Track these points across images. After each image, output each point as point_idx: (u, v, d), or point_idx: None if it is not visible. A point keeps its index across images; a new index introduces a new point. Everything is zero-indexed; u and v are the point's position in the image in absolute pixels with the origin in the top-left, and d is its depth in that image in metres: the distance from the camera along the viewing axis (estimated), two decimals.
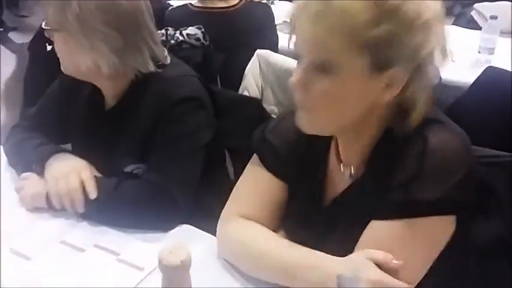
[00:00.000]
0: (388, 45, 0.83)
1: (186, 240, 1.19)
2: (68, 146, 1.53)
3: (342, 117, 0.91)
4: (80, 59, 1.29)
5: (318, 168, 1.04)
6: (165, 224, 1.26)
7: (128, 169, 1.39)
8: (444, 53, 0.88)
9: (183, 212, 1.29)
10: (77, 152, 1.45)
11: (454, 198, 0.89)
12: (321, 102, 0.89)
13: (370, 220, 0.94)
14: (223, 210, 1.15)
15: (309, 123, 0.95)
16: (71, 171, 1.29)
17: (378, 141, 0.96)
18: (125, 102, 1.40)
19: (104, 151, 1.42)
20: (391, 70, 0.86)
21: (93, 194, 1.27)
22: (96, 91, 1.44)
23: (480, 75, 1.97)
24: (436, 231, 0.91)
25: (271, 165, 1.11)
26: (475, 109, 1.90)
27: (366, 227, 0.94)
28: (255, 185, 1.12)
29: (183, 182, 1.31)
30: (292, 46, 0.92)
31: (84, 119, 1.48)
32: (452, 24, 3.41)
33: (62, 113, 1.52)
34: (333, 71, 0.86)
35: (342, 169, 1.02)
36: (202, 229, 1.25)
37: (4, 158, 1.51)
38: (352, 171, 1.00)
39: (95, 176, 1.31)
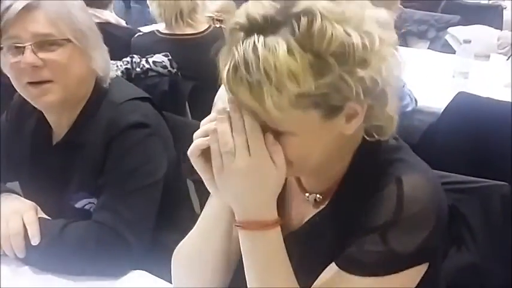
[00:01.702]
0: (338, 91, 0.77)
1: None
2: (16, 184, 1.42)
3: (320, 158, 0.86)
4: (81, 69, 1.26)
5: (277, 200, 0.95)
6: (116, 269, 1.17)
7: (78, 205, 1.29)
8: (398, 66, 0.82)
9: (136, 254, 1.19)
10: (26, 189, 1.36)
11: (431, 246, 0.83)
12: (300, 158, 0.84)
13: (331, 257, 0.86)
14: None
15: (295, 174, 0.93)
16: (12, 214, 1.19)
17: (346, 171, 0.90)
18: (74, 130, 1.30)
19: (55, 187, 1.32)
20: (347, 106, 0.80)
21: (35, 239, 1.16)
22: (42, 124, 1.35)
23: (451, 101, 1.94)
24: (409, 282, 0.84)
25: None
26: (447, 135, 1.87)
27: (325, 263, 0.86)
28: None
29: (135, 221, 1.21)
30: None
31: (32, 153, 1.38)
32: (428, 48, 3.41)
33: (7, 150, 1.42)
34: (288, 135, 0.81)
35: (307, 198, 0.95)
36: (164, 271, 1.13)
37: None
38: (318, 198, 0.93)
39: (40, 218, 1.21)
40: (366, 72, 0.77)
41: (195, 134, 0.84)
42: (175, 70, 2.22)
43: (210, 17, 2.72)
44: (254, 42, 0.75)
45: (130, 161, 1.25)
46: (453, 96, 1.94)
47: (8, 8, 1.18)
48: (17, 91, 1.31)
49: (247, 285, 0.88)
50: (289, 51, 0.74)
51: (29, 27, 1.18)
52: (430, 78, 2.49)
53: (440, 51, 3.13)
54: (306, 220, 0.94)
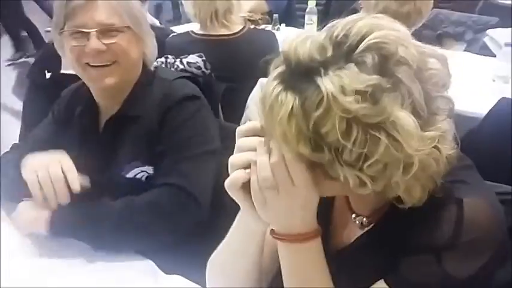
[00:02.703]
0: (332, 169, 0.75)
1: None
2: None
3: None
4: (136, 54, 1.37)
5: (322, 219, 0.93)
6: (187, 227, 1.25)
7: (130, 174, 1.36)
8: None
9: (204, 212, 1.28)
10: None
11: (487, 274, 0.80)
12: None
13: (376, 277, 0.83)
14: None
15: None
16: (51, 161, 1.25)
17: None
18: (128, 105, 1.39)
19: (103, 162, 1.39)
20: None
21: (75, 186, 1.23)
22: (89, 106, 1.44)
23: (493, 107, 1.87)
24: None
25: None
26: (488, 142, 1.81)
27: (368, 282, 0.84)
28: None
29: (201, 183, 1.31)
30: None
31: (80, 136, 1.45)
32: (464, 50, 3.33)
33: (56, 144, 1.45)
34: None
35: (353, 219, 0.92)
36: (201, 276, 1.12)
37: None
38: (364, 221, 0.91)
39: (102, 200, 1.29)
40: (356, 172, 0.73)
41: (233, 160, 0.82)
42: (209, 71, 2.21)
43: (243, 17, 2.71)
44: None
45: (188, 129, 1.36)
46: (495, 102, 1.88)
47: None
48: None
49: None
50: (291, 113, 0.72)
51: (95, 16, 1.30)
52: (468, 82, 2.42)
53: (478, 54, 3.05)
54: (352, 240, 0.92)
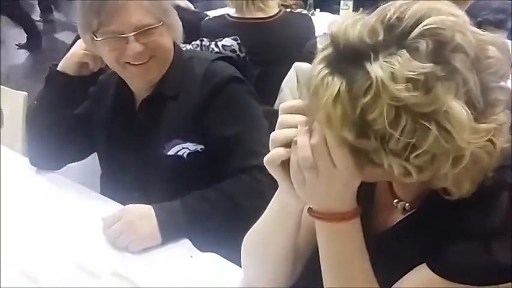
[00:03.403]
0: (377, 156, 0.72)
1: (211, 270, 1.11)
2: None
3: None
4: (170, 43, 1.38)
5: (364, 201, 0.92)
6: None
7: (172, 151, 1.37)
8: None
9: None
10: (107, 153, 1.48)
11: None
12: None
13: (416, 262, 0.82)
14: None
15: None
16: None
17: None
18: (166, 84, 1.39)
19: (140, 141, 1.41)
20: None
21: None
22: (122, 88, 1.44)
23: None
24: None
25: None
26: None
27: (408, 267, 0.83)
28: None
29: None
30: None
31: (113, 117, 1.46)
32: (506, 38, 3.24)
33: (88, 117, 1.51)
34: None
35: (395, 204, 0.90)
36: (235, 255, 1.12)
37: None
38: (407, 207, 0.89)
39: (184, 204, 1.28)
40: (402, 162, 0.71)
41: (274, 136, 0.81)
42: (243, 54, 2.20)
43: (277, 1, 2.68)
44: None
45: (241, 108, 1.38)
46: None
47: (102, 1, 1.27)
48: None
49: (323, 277, 0.86)
50: (336, 97, 0.69)
51: (130, 19, 1.29)
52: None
53: None
54: (393, 224, 0.90)
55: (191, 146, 1.36)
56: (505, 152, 0.74)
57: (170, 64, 1.40)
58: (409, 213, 0.88)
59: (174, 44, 1.41)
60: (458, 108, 0.67)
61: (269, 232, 0.96)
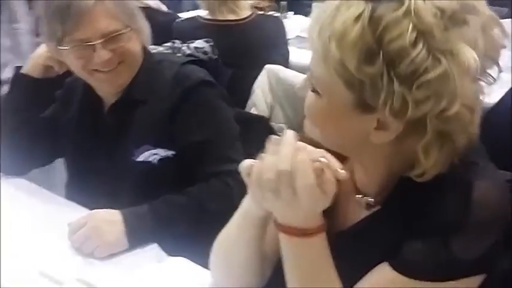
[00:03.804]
0: (374, 89, 0.72)
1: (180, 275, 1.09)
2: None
3: (336, 137, 0.82)
4: (139, 47, 1.35)
5: None
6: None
7: (141, 158, 1.34)
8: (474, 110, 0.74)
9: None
10: (74, 160, 1.46)
11: (494, 256, 0.78)
12: (313, 118, 0.83)
13: (379, 259, 0.82)
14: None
15: (308, 132, 0.86)
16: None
17: (404, 172, 0.83)
18: (135, 89, 1.36)
19: (108, 148, 1.39)
20: (378, 112, 0.75)
21: None
22: (89, 93, 1.41)
23: (504, 95, 1.85)
24: None
25: None
26: (499, 131, 1.78)
27: (371, 264, 0.82)
28: None
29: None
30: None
31: (80, 122, 1.44)
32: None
33: (56, 128, 1.48)
34: (320, 94, 0.79)
35: (358, 199, 0.90)
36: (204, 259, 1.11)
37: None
38: (370, 201, 0.88)
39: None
40: (404, 91, 0.71)
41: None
42: (216, 56, 2.19)
43: (250, 3, 2.68)
44: None
45: (221, 113, 1.37)
46: (503, 92, 1.86)
47: (66, 8, 1.22)
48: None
49: (288, 286, 0.84)
50: (359, 16, 0.71)
51: (97, 26, 1.25)
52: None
53: None
54: (355, 221, 0.90)
55: (162, 152, 1.34)
56: (472, 143, 0.77)
57: (139, 68, 1.37)
58: (373, 211, 0.88)
59: (143, 47, 1.39)
60: (470, 54, 0.70)
61: (234, 239, 0.95)
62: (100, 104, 1.42)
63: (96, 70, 1.30)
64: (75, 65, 1.32)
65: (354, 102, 0.75)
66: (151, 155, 1.34)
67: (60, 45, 1.28)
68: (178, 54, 2.18)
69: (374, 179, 0.87)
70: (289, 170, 0.74)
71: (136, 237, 1.20)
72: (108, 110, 1.40)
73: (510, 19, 2.92)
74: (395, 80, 0.71)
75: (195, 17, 2.48)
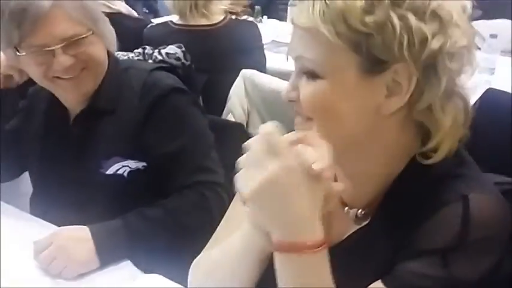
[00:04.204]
0: (385, 35, 0.69)
1: None
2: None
3: (340, 126, 0.75)
4: (103, 53, 1.29)
5: None
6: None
7: (110, 171, 1.28)
8: (471, 57, 0.74)
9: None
10: (40, 174, 1.38)
11: (495, 275, 0.74)
12: (313, 109, 0.75)
13: (371, 277, 0.76)
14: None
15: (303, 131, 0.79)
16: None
17: (393, 183, 0.79)
18: (100, 99, 1.30)
19: (76, 161, 1.32)
20: (390, 68, 0.71)
21: None
22: (54, 103, 1.34)
23: (479, 98, 1.84)
24: None
25: None
26: (476, 133, 1.77)
27: (364, 282, 0.77)
28: (237, 227, 0.91)
29: (221, 172, 1.29)
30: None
31: (45, 134, 1.36)
32: None
33: (18, 140, 1.40)
34: (318, 75, 0.73)
35: (346, 211, 0.85)
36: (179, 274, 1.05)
37: None
38: (359, 214, 0.83)
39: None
40: (419, 24, 0.69)
41: None
42: (189, 62, 2.13)
43: (223, 8, 2.64)
44: None
45: (195, 122, 1.31)
46: (480, 93, 1.85)
47: (22, 12, 1.14)
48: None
49: None
50: None
51: (56, 30, 1.18)
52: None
53: None
54: (346, 236, 0.84)
55: (132, 164, 1.28)
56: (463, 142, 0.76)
57: (104, 75, 1.31)
58: (363, 224, 0.83)
59: (109, 53, 1.32)
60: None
61: (230, 274, 0.85)
62: (65, 114, 1.35)
63: (58, 77, 1.23)
64: (35, 72, 1.24)
65: (362, 66, 0.71)
66: (121, 167, 1.28)
67: (18, 52, 1.21)
68: (150, 61, 2.14)
69: (363, 188, 0.82)
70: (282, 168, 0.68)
71: (109, 254, 1.13)
72: (74, 120, 1.33)
73: (509, 19, 2.98)
74: (409, 14, 0.68)
75: (166, 22, 2.42)
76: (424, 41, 0.69)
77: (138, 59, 2.12)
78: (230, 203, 1.01)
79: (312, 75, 0.74)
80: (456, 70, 0.73)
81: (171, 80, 1.33)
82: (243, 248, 0.84)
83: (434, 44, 0.70)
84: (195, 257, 0.97)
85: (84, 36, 1.21)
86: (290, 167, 0.69)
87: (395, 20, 0.68)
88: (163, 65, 1.47)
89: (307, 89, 0.75)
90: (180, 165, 1.26)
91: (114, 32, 1.33)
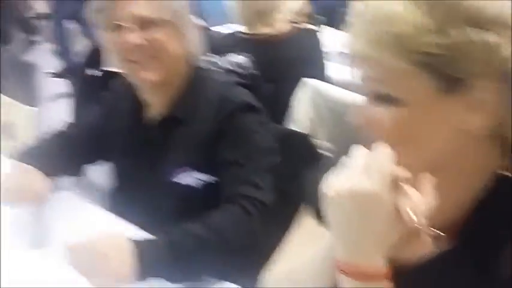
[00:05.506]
0: (457, 55, 0.65)
1: None
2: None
3: (424, 150, 0.71)
4: (177, 49, 1.30)
5: None
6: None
7: (178, 179, 1.31)
8: None
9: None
10: (119, 169, 1.45)
11: None
12: (394, 137, 0.70)
13: None
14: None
15: None
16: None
17: (478, 203, 0.72)
18: (179, 107, 1.34)
19: (149, 163, 1.36)
20: (468, 85, 0.67)
21: None
22: (136, 102, 1.40)
23: None
24: None
25: None
26: None
27: None
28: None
29: (271, 194, 1.27)
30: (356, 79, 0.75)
31: (127, 131, 1.42)
32: None
33: (102, 131, 1.47)
34: (392, 101, 0.69)
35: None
36: None
37: None
38: (440, 234, 0.76)
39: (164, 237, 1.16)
40: (493, 36, 0.64)
41: None
42: (257, 72, 2.17)
43: (287, 18, 2.66)
44: None
45: (257, 139, 1.30)
46: None
47: None
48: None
49: None
50: None
51: (132, 9, 1.24)
52: None
53: None
54: (422, 258, 0.75)
55: (204, 177, 1.30)
56: None
57: (186, 83, 1.34)
58: (447, 249, 0.75)
59: (191, 62, 1.36)
60: None
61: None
62: (147, 117, 1.40)
63: (130, 60, 1.28)
64: (113, 53, 1.31)
65: (438, 86, 0.67)
66: (192, 178, 1.30)
67: (103, 29, 1.29)
68: (220, 70, 2.20)
69: (448, 204, 0.73)
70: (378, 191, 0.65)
71: (147, 273, 1.08)
72: (153, 125, 1.39)
73: None
74: (484, 30, 0.65)
75: (232, 31, 2.47)
76: (499, 52, 0.65)
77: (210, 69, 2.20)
78: (276, 221, 1.01)
79: (388, 99, 0.69)
80: None
81: (245, 97, 1.35)
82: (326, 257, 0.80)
83: (505, 51, 0.65)
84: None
85: (159, 20, 1.26)
86: (383, 197, 0.66)
87: (473, 38, 0.64)
88: (236, 78, 1.49)
89: (383, 117, 0.70)
90: (232, 176, 1.27)
91: (199, 37, 1.36)
